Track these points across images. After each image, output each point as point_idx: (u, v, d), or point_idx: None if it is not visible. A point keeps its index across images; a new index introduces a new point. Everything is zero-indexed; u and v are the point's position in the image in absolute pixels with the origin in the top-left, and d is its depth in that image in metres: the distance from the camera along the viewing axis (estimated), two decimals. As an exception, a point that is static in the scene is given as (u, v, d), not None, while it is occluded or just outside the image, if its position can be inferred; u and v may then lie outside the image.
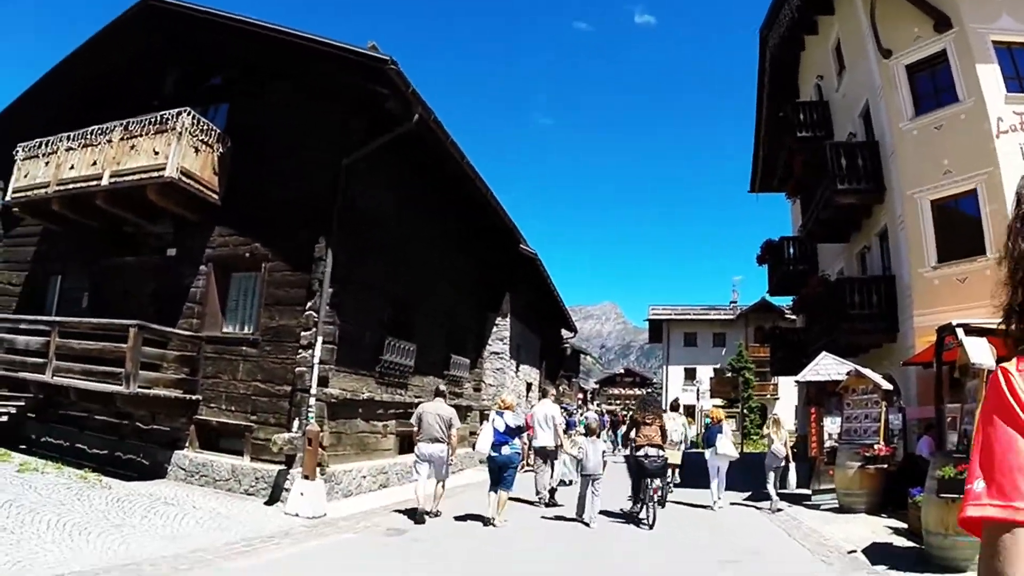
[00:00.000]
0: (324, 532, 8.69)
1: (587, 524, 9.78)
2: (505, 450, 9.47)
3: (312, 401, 10.21)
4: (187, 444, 11.31)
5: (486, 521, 9.44)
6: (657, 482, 10.45)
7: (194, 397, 11.30)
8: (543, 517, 10.71)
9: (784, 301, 33.02)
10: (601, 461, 10.02)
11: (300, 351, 10.57)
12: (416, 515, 9.41)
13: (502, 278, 19.23)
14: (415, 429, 9.70)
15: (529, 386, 22.76)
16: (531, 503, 11.57)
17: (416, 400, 13.37)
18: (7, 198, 13.07)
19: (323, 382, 10.46)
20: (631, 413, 14.60)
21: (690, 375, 47.42)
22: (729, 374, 36.92)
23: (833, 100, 17.33)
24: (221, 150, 11.87)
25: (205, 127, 11.55)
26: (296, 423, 10.22)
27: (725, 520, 11.35)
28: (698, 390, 40.19)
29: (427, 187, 14.38)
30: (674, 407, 15.22)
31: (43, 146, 12.61)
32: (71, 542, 6.89)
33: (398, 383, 13.28)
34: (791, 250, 19.77)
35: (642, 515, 10.28)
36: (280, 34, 11.07)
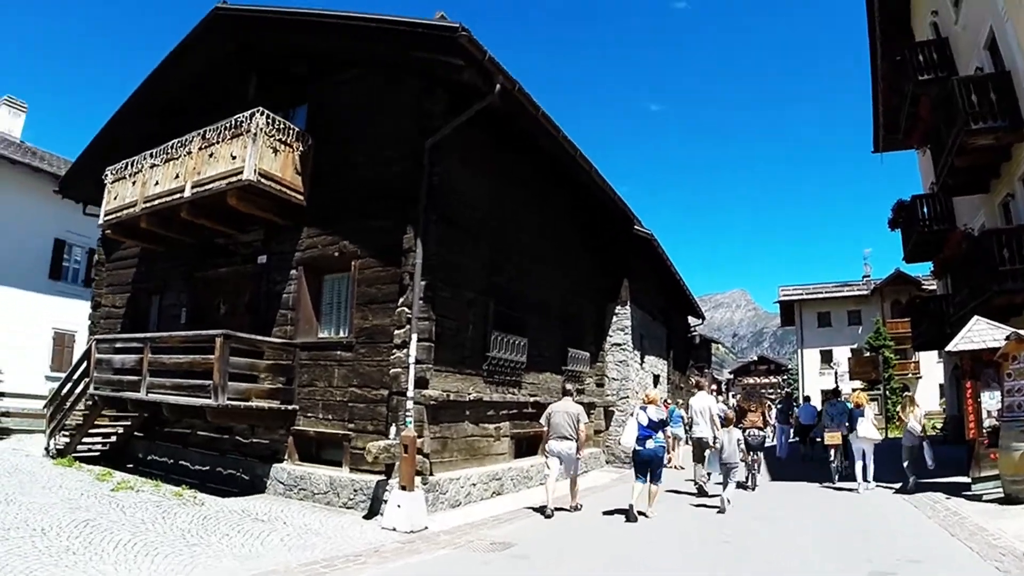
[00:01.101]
0: (418, 548, 7.46)
1: (721, 509, 9.68)
2: (650, 444, 9.23)
3: (409, 404, 9.01)
4: (286, 456, 10.40)
5: (627, 514, 9.11)
6: (760, 454, 12.39)
7: (290, 407, 10.38)
8: (690, 505, 10.67)
9: (922, 270, 30.23)
10: (737, 450, 10.21)
11: (394, 351, 9.43)
12: (545, 512, 9.33)
13: (618, 264, 17.38)
14: (545, 428, 9.70)
15: (656, 378, 20.74)
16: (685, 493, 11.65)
17: (532, 399, 12.36)
18: (100, 222, 12.61)
19: (421, 383, 9.25)
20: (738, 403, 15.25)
21: (826, 358, 43.59)
22: (868, 353, 33.43)
23: (953, 35, 15.02)
24: (301, 149, 10.97)
25: (281, 126, 10.65)
26: (393, 429, 9.07)
27: (876, 516, 9.60)
28: (835, 373, 36.31)
29: (527, 169, 12.98)
30: (836, 393, 15.52)
31: (129, 166, 12.20)
32: (132, 564, 6.14)
33: (510, 381, 11.94)
34: (924, 209, 17.14)
35: (748, 482, 11.97)
36: (342, 19, 9.99)
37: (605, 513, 9.65)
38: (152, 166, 11.68)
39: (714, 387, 40.80)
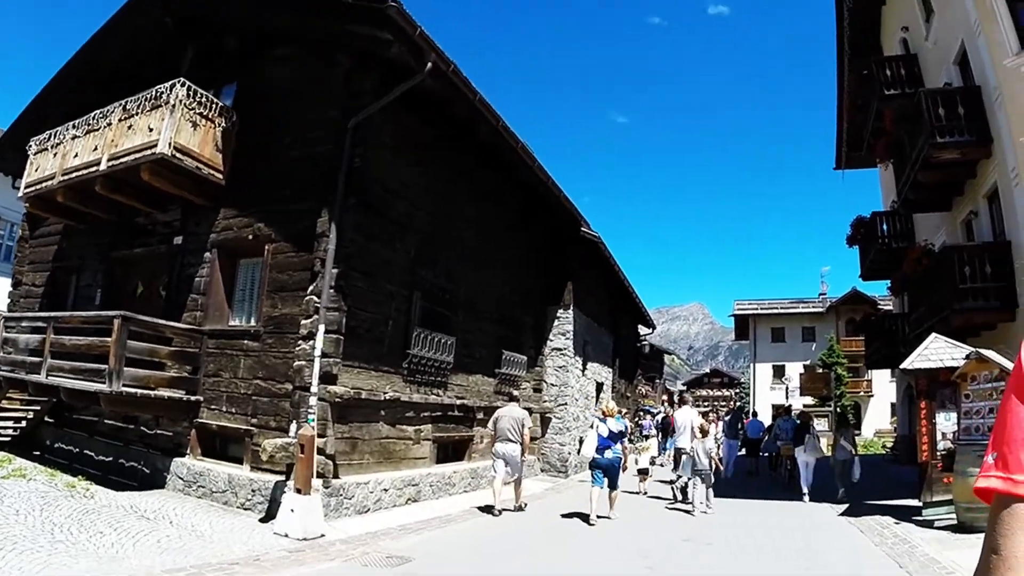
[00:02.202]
0: (303, 559, 6.63)
1: (692, 512, 10.63)
2: (608, 454, 9.58)
3: (312, 401, 8.17)
4: (188, 451, 9.54)
5: (585, 518, 9.49)
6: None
7: (194, 398, 9.52)
8: (668, 509, 11.43)
9: (878, 290, 29.73)
10: (707, 458, 10.73)
11: (300, 343, 8.58)
12: (492, 511, 9.63)
13: (563, 266, 16.39)
14: (492, 432, 9.99)
15: (600, 386, 19.69)
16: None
17: (459, 401, 11.60)
18: (19, 195, 11.72)
19: (327, 379, 8.41)
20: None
21: (778, 373, 42.98)
22: (820, 370, 32.75)
23: (922, 51, 14.35)
24: (224, 125, 10.14)
25: (204, 100, 9.82)
26: (294, 427, 8.21)
27: (820, 542, 8.86)
28: (787, 388, 35.76)
29: (468, 162, 12.10)
30: (787, 410, 17.45)
31: (52, 137, 11.30)
32: (-22, 562, 5.39)
33: (434, 382, 11.05)
34: (884, 226, 16.39)
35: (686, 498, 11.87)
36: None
37: (531, 523, 9.33)
38: (73, 137, 10.81)
39: (664, 397, 39.91)
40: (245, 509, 8.48)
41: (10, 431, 11.85)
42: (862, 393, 38.94)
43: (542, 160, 12.50)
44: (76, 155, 10.64)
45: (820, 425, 16.23)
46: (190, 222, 10.58)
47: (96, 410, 10.49)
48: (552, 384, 15.83)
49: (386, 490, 9.39)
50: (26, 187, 11.53)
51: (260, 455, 8.00)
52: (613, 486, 9.72)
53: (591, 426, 10.18)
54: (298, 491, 7.65)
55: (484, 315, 12.90)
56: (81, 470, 10.05)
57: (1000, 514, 0.86)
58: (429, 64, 8.65)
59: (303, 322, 8.62)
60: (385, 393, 9.56)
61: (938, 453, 9.96)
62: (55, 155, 11.09)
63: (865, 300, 38.04)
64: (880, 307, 32.36)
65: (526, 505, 10.23)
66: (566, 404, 15.65)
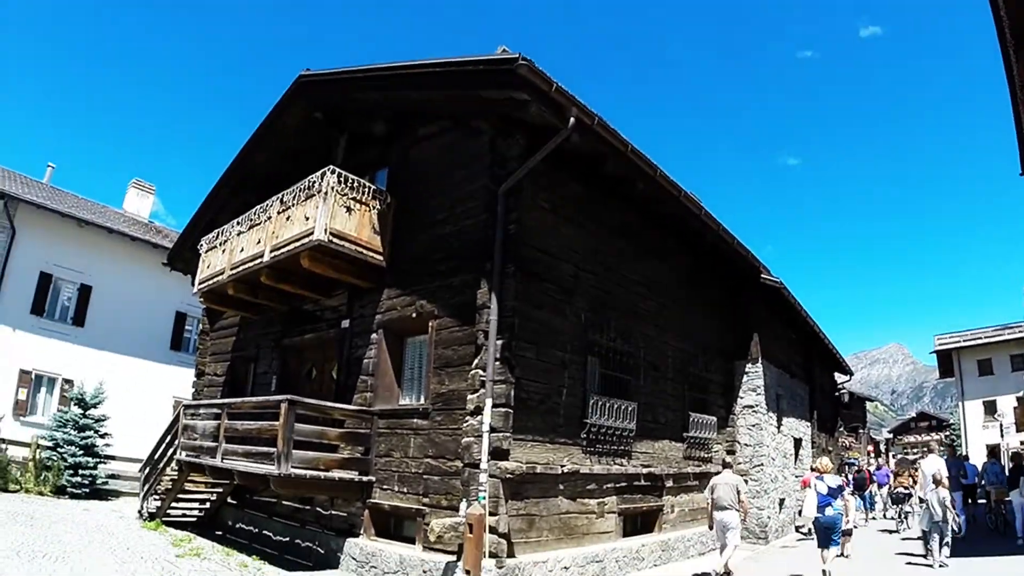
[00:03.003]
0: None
1: (932, 566, 10.23)
2: (829, 511, 9.10)
3: (483, 478, 7.64)
4: (361, 531, 9.23)
5: None
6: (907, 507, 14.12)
7: (367, 478, 9.24)
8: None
9: None
10: (941, 509, 10.26)
11: (468, 419, 8.12)
12: None
13: (746, 317, 14.98)
14: (709, 500, 9.76)
15: (798, 443, 17.74)
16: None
17: (645, 470, 10.69)
18: (194, 291, 12.27)
19: (498, 454, 7.84)
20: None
21: (990, 409, 37.77)
22: None
23: (1092, 22, 12.48)
24: (379, 207, 10.09)
25: (355, 184, 9.82)
26: (463, 505, 7.70)
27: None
28: (1000, 425, 31.35)
29: (631, 217, 11.28)
30: (995, 452, 17.48)
31: (220, 235, 11.88)
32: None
33: (616, 451, 10.16)
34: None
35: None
36: (409, 68, 9.12)
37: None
38: (239, 233, 11.25)
39: (870, 448, 36.03)
40: (419, 592, 8.01)
41: (195, 512, 12.22)
42: (1089, 422, 33.86)
43: (711, 207, 11.62)
44: (242, 249, 11.01)
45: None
46: (355, 305, 10.56)
47: (274, 492, 10.48)
48: (746, 444, 14.35)
49: (566, 568, 8.60)
50: (199, 283, 12.09)
51: (428, 535, 7.53)
52: (833, 544, 9.16)
53: (810, 486, 9.61)
54: (467, 573, 7.14)
55: (666, 376, 11.90)
56: (258, 550, 10.10)
57: None
58: (572, 119, 8.14)
59: (470, 397, 8.16)
60: (563, 466, 8.86)
61: None
62: (223, 251, 11.57)
63: (1074, 314, 33.68)
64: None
65: (732, 572, 9.52)
66: (762, 465, 14.15)
